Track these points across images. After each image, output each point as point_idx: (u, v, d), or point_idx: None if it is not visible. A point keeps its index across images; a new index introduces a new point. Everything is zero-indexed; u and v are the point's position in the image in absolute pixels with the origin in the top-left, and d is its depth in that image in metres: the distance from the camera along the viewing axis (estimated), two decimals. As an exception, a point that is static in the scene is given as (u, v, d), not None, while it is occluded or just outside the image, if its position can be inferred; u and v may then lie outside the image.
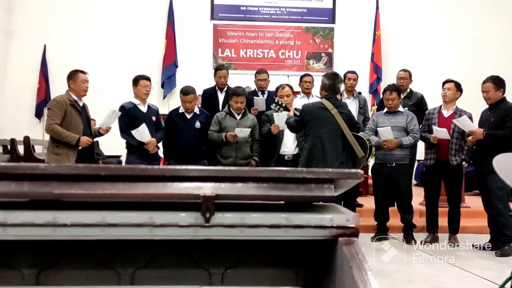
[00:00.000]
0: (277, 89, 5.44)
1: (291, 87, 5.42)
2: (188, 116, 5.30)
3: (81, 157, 4.77)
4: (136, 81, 5.18)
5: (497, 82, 4.91)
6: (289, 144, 5.30)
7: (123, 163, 6.38)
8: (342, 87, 5.78)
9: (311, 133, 4.66)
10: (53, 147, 4.74)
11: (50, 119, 4.69)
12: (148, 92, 5.21)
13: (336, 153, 4.61)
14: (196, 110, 5.38)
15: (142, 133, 4.94)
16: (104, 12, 9.62)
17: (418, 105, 5.87)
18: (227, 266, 1.51)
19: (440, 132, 5.08)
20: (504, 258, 4.53)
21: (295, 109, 5.06)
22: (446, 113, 5.25)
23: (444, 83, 5.32)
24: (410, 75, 6.13)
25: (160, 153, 5.45)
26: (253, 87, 6.57)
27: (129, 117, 5.08)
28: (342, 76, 5.61)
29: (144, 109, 5.18)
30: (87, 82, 4.88)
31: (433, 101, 6.06)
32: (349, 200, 5.45)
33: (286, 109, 4.98)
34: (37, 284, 1.43)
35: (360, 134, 4.89)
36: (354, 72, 6.44)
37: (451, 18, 10.10)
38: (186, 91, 5.23)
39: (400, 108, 5.43)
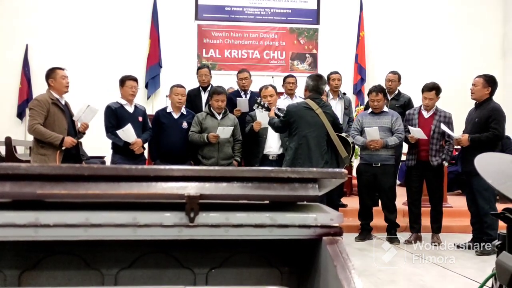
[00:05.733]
0: (261, 89, 5.45)
1: (274, 87, 5.43)
2: (175, 116, 5.28)
3: (66, 157, 4.69)
4: (122, 81, 5.15)
5: (487, 80, 4.97)
6: (273, 144, 5.30)
7: (107, 164, 6.32)
8: (326, 88, 5.82)
9: (297, 133, 4.67)
10: (38, 148, 4.64)
11: (33, 119, 4.59)
12: (135, 92, 5.17)
13: (321, 153, 4.63)
14: (183, 110, 5.35)
15: (127, 133, 4.90)
16: (87, 12, 9.53)
17: (405, 107, 5.91)
18: (212, 266, 1.51)
19: (416, 132, 5.14)
20: (486, 257, 4.58)
21: (278, 109, 5.08)
22: (426, 114, 5.31)
23: (423, 91, 5.31)
24: (399, 78, 6.19)
25: (146, 153, 5.42)
26: (236, 88, 6.58)
27: (115, 117, 5.03)
28: (326, 77, 5.64)
29: (130, 109, 5.14)
30: (67, 78, 4.79)
31: (416, 101, 6.11)
32: (331, 201, 5.46)
33: (268, 109, 5.00)
34: (20, 285, 1.42)
35: (343, 134, 4.92)
36: (337, 73, 6.49)
37: (434, 19, 10.20)
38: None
39: (385, 108, 5.47)
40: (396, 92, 6.11)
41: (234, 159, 5.29)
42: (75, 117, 4.89)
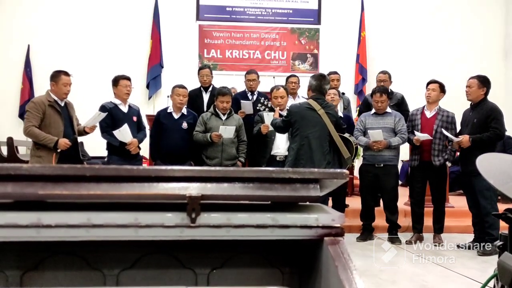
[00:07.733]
0: (272, 90, 5.41)
1: (285, 89, 5.40)
2: (176, 117, 5.28)
3: (66, 157, 4.69)
4: (116, 81, 5.12)
5: (482, 81, 4.99)
6: (281, 145, 5.25)
7: (108, 164, 6.31)
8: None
9: (298, 133, 4.66)
10: (35, 150, 4.68)
11: (28, 121, 4.64)
12: (129, 92, 5.16)
13: (323, 154, 4.62)
14: (184, 110, 5.35)
15: (124, 133, 4.90)
16: (89, 12, 9.54)
17: (399, 105, 5.94)
18: (213, 266, 1.51)
19: (421, 136, 5.16)
20: (487, 257, 4.58)
21: (280, 109, 5.05)
22: (428, 113, 5.33)
23: (428, 84, 5.39)
24: (390, 77, 6.21)
25: (142, 153, 5.41)
26: (238, 88, 6.54)
27: (110, 117, 5.02)
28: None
29: (125, 109, 5.14)
30: (69, 85, 4.80)
31: (418, 101, 6.11)
32: (337, 201, 5.46)
33: (271, 110, 4.98)
34: (21, 285, 1.42)
35: (346, 135, 4.92)
36: (336, 73, 6.50)
37: (435, 20, 10.19)
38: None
39: (388, 109, 5.48)
40: (389, 91, 6.11)
41: (238, 160, 5.28)
42: (86, 123, 4.94)
